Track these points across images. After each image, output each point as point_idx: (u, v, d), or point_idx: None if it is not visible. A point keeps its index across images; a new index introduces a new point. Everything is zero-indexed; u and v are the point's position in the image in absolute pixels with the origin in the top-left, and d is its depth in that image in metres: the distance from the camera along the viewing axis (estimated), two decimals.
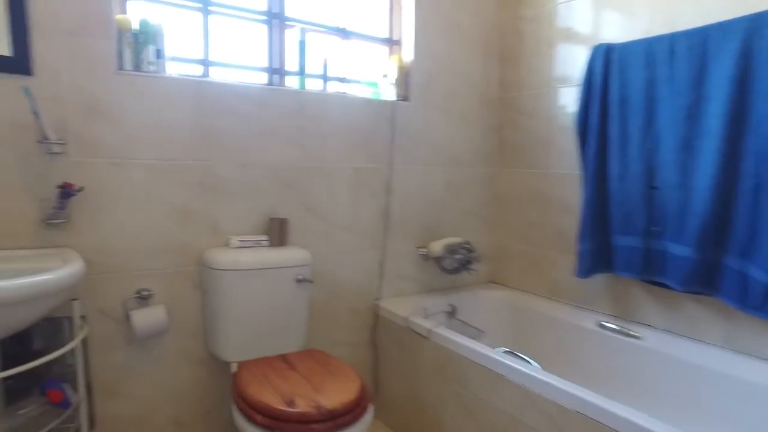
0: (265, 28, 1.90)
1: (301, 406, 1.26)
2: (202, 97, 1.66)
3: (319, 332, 1.98)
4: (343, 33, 2.07)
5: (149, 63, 1.59)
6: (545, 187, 2.18)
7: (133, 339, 1.62)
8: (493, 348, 1.60)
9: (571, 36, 2.05)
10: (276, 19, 1.90)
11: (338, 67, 2.06)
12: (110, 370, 1.61)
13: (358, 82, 2.12)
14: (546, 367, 1.63)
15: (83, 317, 1.54)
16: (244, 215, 1.78)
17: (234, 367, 1.59)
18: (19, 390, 1.39)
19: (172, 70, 1.69)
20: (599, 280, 1.97)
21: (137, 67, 1.59)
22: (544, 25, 2.16)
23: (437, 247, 2.13)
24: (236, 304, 1.63)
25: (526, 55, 2.25)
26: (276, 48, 1.91)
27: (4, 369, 1.26)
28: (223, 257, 1.63)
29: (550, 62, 2.14)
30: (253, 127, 1.76)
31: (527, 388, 1.42)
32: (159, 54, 1.61)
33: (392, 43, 2.18)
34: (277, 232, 1.79)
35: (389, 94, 2.10)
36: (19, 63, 1.40)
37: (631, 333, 1.79)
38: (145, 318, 1.57)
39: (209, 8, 1.76)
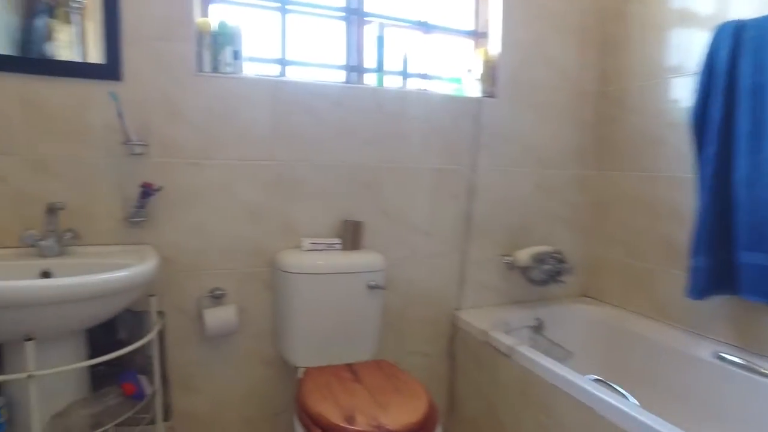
0: (343, 24, 1.86)
1: (361, 424, 1.18)
2: (279, 96, 1.64)
3: (391, 341, 1.90)
4: (425, 27, 1.96)
5: (227, 64, 1.60)
6: (651, 192, 1.91)
7: (205, 337, 1.65)
8: (583, 374, 1.41)
9: (686, 17, 1.77)
10: (354, 15, 1.84)
11: (419, 63, 1.96)
12: (185, 365, 1.65)
13: (439, 78, 2.00)
14: (645, 403, 1.40)
15: (161, 312, 1.58)
16: (318, 217, 1.74)
17: (300, 373, 1.55)
18: (107, 376, 1.46)
19: (250, 70, 1.69)
20: (718, 302, 1.67)
21: (215, 68, 1.60)
22: (653, 6, 1.90)
23: (523, 255, 1.95)
24: (305, 309, 1.59)
25: (632, 42, 1.99)
26: (354, 45, 1.86)
27: (91, 357, 1.33)
28: (293, 260, 1.60)
29: (660, 49, 1.87)
30: (330, 126, 1.72)
31: (621, 428, 1.22)
32: (236, 55, 1.62)
33: (477, 35, 2.04)
34: (351, 236, 1.73)
35: (473, 90, 1.96)
36: (110, 69, 1.46)
37: (760, 370, 1.50)
38: (216, 317, 1.58)
39: (287, 7, 1.75)
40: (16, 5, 1.38)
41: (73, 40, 1.45)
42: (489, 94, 1.96)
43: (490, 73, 1.96)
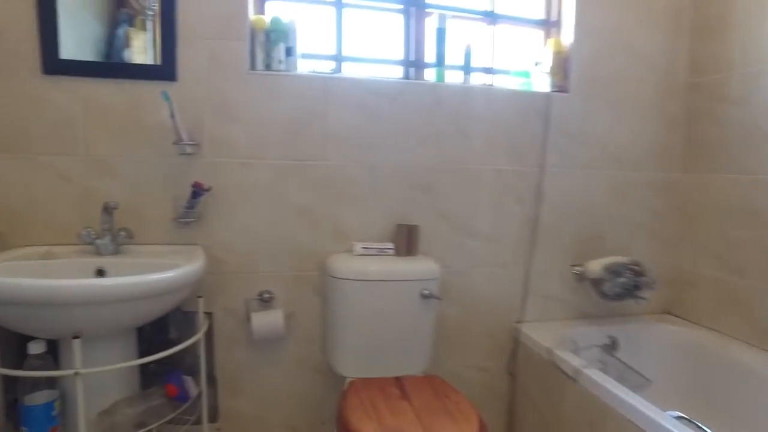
0: (401, 17, 1.76)
1: None
2: (332, 94, 1.58)
3: (446, 354, 1.78)
4: (490, 17, 1.82)
5: (279, 62, 1.56)
6: (753, 197, 1.65)
7: (252, 340, 1.62)
8: (663, 409, 1.23)
9: None
10: (414, 7, 1.74)
11: (483, 57, 1.83)
12: (233, 367, 1.63)
13: (505, 72, 1.85)
14: None
15: (210, 313, 1.57)
16: (371, 220, 1.66)
17: (347, 384, 1.49)
18: (157, 374, 1.47)
19: (304, 67, 1.64)
20: None
21: (268, 66, 1.56)
22: None
23: (596, 266, 1.76)
24: (354, 317, 1.52)
25: (732, 25, 1.74)
26: (413, 38, 1.75)
27: (144, 354, 1.33)
28: (343, 265, 1.53)
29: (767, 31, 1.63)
30: (385, 125, 1.63)
31: None
32: (289, 52, 1.57)
33: (549, 25, 1.86)
34: (405, 241, 1.63)
35: (543, 84, 1.80)
36: (165, 70, 1.47)
37: None
38: (262, 321, 1.55)
39: (343, 1, 1.68)
40: (103, 16, 1.43)
41: (146, 46, 1.47)
42: (560, 88, 1.79)
43: (562, 66, 1.79)
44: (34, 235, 1.44)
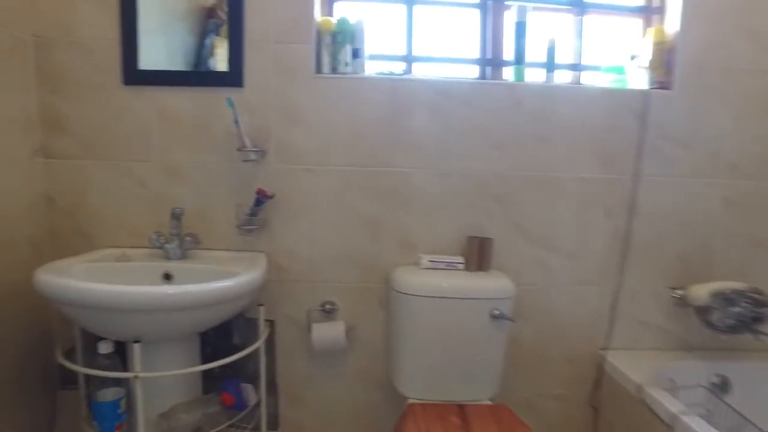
0: (477, 12, 1.63)
1: None
2: (399, 97, 1.49)
3: (519, 378, 1.63)
4: (579, 6, 1.63)
5: (346, 64, 1.50)
6: None
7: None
8: None
9: None
10: (491, 0, 1.61)
11: (568, 52, 1.64)
12: (294, 377, 1.61)
13: (595, 68, 1.65)
14: None
15: (271, 321, 1.56)
16: (440, 231, 1.55)
17: (405, 406, 1.39)
18: (220, 378, 1.48)
19: (372, 69, 1.58)
20: None
21: (334, 69, 1.51)
22: None
23: (702, 291, 1.51)
24: (418, 335, 1.42)
25: None
26: (490, 35, 1.62)
27: (208, 357, 1.35)
28: (408, 279, 1.44)
29: None
30: (457, 129, 1.51)
31: None
32: (356, 53, 1.51)
33: (649, 11, 1.63)
34: (476, 254, 1.51)
35: (640, 81, 1.58)
36: (233, 76, 1.47)
37: None
38: (323, 333, 1.50)
39: None
40: (195, 28, 1.47)
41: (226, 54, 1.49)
42: (661, 84, 1.56)
43: (664, 59, 1.55)
44: (114, 236, 1.52)
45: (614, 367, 1.52)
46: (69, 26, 1.45)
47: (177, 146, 1.49)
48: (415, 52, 1.60)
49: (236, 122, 1.40)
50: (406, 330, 1.43)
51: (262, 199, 1.45)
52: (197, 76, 1.47)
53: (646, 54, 1.57)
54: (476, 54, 1.63)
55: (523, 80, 1.56)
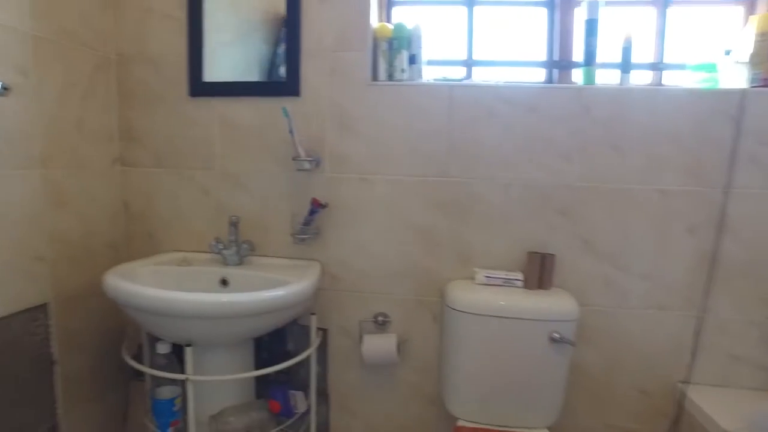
0: (544, 12, 1.52)
1: None
2: (457, 103, 1.43)
3: (584, 407, 1.49)
4: None
5: (402, 71, 1.46)
6: None
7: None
8: None
9: None
10: None
11: (647, 50, 1.48)
12: (346, 386, 1.60)
13: (679, 67, 1.47)
14: None
15: (325, 330, 1.56)
16: (498, 245, 1.47)
17: (453, 428, 1.33)
18: (274, 382, 1.51)
19: (430, 75, 1.53)
20: None
21: (390, 75, 1.48)
22: None
23: None
24: (470, 354, 1.35)
25: None
26: (557, 35, 1.50)
27: (262, 361, 1.40)
28: (462, 294, 1.37)
29: None
30: (519, 136, 1.42)
31: None
32: (413, 59, 1.46)
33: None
34: (537, 271, 1.40)
35: (734, 79, 1.39)
36: (290, 86, 1.48)
37: None
38: (374, 345, 1.47)
39: None
40: (270, 38, 1.51)
41: None
42: (765, 82, 1.36)
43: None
44: (178, 241, 1.60)
45: (697, 406, 1.34)
46: (145, 44, 1.55)
47: (237, 155, 1.54)
48: (476, 56, 1.53)
49: (291, 132, 1.42)
50: (459, 348, 1.37)
51: (315, 208, 1.45)
52: (256, 86, 1.50)
53: (746, 47, 1.37)
54: (542, 56, 1.53)
55: (593, 83, 1.42)
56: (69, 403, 1.43)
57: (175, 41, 1.52)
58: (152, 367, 1.31)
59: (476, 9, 1.52)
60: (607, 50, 1.45)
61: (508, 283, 1.41)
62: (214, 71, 1.52)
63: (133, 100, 1.57)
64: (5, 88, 1.16)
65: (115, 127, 1.58)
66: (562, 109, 1.40)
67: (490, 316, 1.32)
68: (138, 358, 1.48)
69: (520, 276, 1.41)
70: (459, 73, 1.55)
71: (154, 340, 1.34)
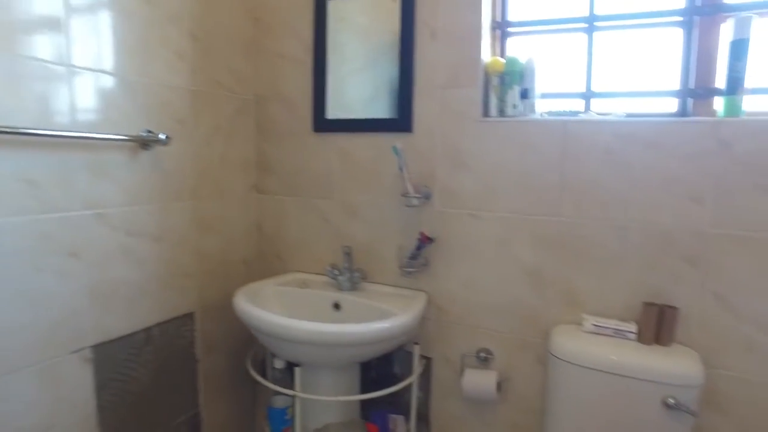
0: (680, 32, 1.35)
1: None
2: (571, 139, 1.35)
3: None
4: None
5: (513, 106, 1.43)
6: None
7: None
8: None
9: None
10: (699, 16, 1.31)
11: None
12: (447, 416, 1.62)
13: None
14: None
15: (429, 358, 1.60)
16: (610, 291, 1.35)
17: None
18: (379, 402, 1.59)
19: (544, 108, 1.46)
20: None
21: (501, 111, 1.45)
22: None
23: None
24: (571, 408, 1.28)
25: None
26: (695, 58, 1.32)
27: (368, 382, 1.51)
28: (565, 341, 1.30)
29: None
30: (639, 176, 1.29)
31: None
32: (525, 94, 1.42)
33: None
34: (654, 324, 1.27)
35: None
36: (402, 122, 1.55)
37: None
38: (474, 380, 1.47)
39: (595, 24, 1.41)
40: (388, 71, 1.60)
41: None
42: None
43: None
44: (300, 262, 1.77)
45: None
46: (277, 86, 1.74)
47: (353, 186, 1.65)
48: (596, 87, 1.43)
49: (401, 169, 1.48)
50: (561, 400, 1.30)
51: (423, 243, 1.49)
52: (371, 122, 1.59)
53: None
54: (675, 84, 1.36)
55: (738, 114, 1.23)
56: (208, 395, 1.69)
57: (302, 82, 1.69)
58: (270, 378, 1.49)
59: (597, 35, 1.41)
60: (758, 75, 1.24)
61: (619, 334, 1.30)
62: (336, 108, 1.65)
63: (267, 135, 1.78)
64: (168, 138, 1.41)
65: (252, 159, 1.80)
66: (693, 144, 1.23)
67: (597, 370, 1.23)
68: (262, 366, 1.68)
69: (633, 328, 1.29)
70: (576, 105, 1.46)
71: (273, 354, 1.51)
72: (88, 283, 1.29)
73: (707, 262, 1.25)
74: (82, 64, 1.24)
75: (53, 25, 1.17)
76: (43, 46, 1.16)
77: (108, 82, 1.31)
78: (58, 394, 1.25)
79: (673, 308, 1.27)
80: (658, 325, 1.27)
